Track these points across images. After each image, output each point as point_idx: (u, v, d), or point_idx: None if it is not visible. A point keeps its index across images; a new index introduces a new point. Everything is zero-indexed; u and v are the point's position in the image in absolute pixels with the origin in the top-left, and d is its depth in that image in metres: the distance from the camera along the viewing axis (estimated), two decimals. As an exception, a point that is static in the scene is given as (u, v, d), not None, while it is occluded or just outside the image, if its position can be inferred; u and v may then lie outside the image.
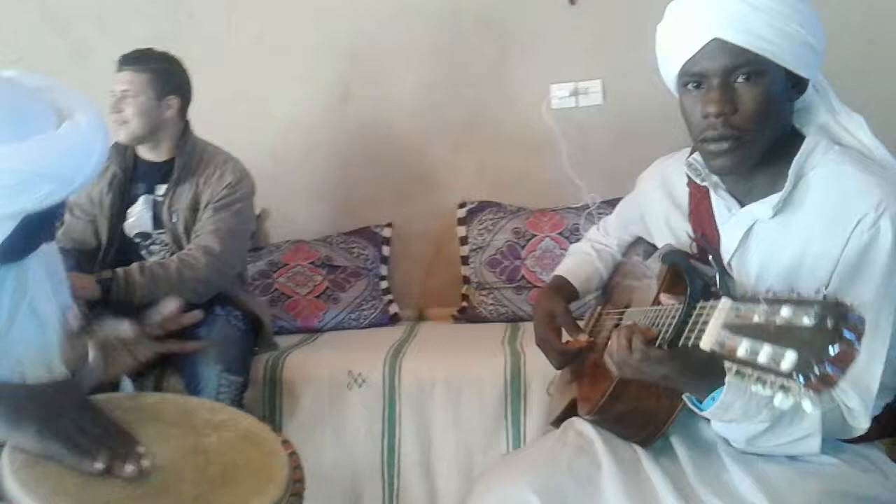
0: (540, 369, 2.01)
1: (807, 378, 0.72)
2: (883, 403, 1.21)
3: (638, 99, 2.66)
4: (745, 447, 1.17)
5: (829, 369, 0.72)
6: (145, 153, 2.28)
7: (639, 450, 1.24)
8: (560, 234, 2.66)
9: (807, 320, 0.74)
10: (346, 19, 2.82)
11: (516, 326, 2.47)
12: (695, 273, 1.06)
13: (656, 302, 1.18)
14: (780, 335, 0.76)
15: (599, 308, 1.57)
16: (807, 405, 0.75)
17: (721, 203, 1.25)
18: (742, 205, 1.23)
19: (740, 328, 0.82)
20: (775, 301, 0.79)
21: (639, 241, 1.53)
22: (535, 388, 2.06)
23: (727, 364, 0.84)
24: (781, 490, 1.13)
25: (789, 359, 0.73)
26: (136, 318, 1.39)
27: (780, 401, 0.77)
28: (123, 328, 1.31)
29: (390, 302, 2.73)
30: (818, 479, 1.15)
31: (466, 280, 2.74)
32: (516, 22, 2.78)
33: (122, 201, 2.26)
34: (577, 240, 2.53)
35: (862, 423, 1.14)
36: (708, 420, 1.18)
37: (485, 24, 2.79)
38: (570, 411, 1.39)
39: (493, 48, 2.80)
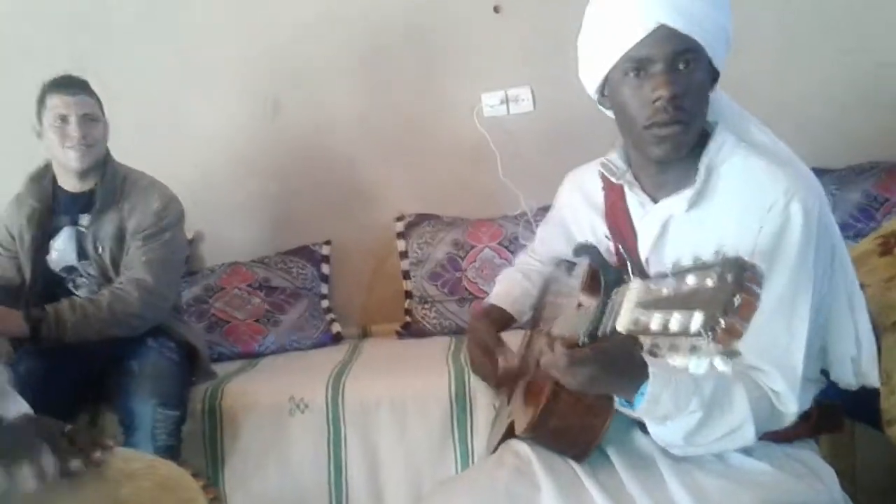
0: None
1: (713, 332, 0.74)
2: (810, 397, 1.22)
3: (567, 105, 2.66)
4: (685, 448, 1.17)
5: (733, 320, 0.74)
6: (66, 183, 2.19)
7: (577, 467, 1.23)
8: (499, 243, 2.66)
9: (710, 281, 0.77)
10: (271, 33, 2.77)
11: (461, 339, 2.45)
12: (607, 265, 1.06)
13: (578, 306, 1.19)
14: (689, 300, 0.79)
15: (530, 330, 1.57)
16: (718, 363, 0.77)
17: (636, 200, 1.27)
18: (655, 201, 1.25)
19: (652, 303, 0.84)
20: (681, 271, 0.82)
21: (563, 261, 1.53)
22: (480, 402, 2.04)
23: (643, 339, 0.85)
24: (717, 502, 1.14)
25: (697, 319, 0.76)
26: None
27: (695, 365, 0.79)
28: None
29: (332, 321, 2.69)
30: (754, 489, 1.16)
31: (408, 294, 2.72)
32: (444, 32, 2.77)
33: (44, 235, 2.18)
34: (517, 248, 2.60)
35: (791, 407, 1.15)
36: (645, 431, 1.18)
37: (413, 34, 2.77)
38: (509, 436, 1.37)
39: (423, 58, 2.79)
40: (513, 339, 1.53)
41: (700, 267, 0.81)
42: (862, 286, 1.52)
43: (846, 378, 1.25)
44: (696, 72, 1.15)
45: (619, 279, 1.00)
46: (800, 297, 1.15)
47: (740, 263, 0.77)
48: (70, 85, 2.12)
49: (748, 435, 1.13)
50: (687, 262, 0.83)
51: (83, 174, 2.16)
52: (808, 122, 2.65)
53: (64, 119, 2.10)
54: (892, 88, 2.68)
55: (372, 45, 2.78)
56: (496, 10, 2.74)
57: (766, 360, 1.15)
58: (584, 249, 1.13)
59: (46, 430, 1.12)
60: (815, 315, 1.17)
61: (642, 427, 1.22)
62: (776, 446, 1.22)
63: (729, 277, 0.76)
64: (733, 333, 0.75)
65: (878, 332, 1.48)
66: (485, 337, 1.47)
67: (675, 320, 0.79)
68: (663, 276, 0.85)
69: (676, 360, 0.80)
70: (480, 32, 2.75)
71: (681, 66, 1.14)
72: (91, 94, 2.15)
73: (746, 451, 1.20)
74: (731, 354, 0.77)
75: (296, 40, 2.78)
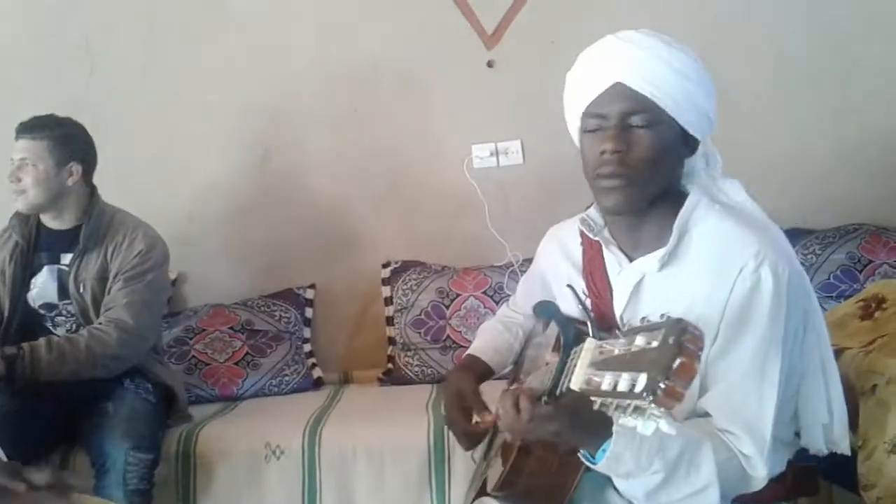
0: (463, 435, 1.97)
1: (654, 395, 0.76)
2: (784, 459, 1.22)
3: (556, 159, 2.68)
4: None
5: (673, 383, 0.76)
6: (49, 221, 2.19)
7: None
8: (484, 292, 2.65)
9: (654, 343, 0.80)
10: (264, 79, 2.80)
11: (442, 388, 2.44)
12: (567, 322, 1.06)
13: (546, 364, 1.19)
14: (635, 362, 0.80)
15: (507, 384, 1.56)
16: (663, 425, 0.79)
17: (612, 258, 1.29)
18: (631, 260, 1.27)
19: (604, 363, 0.86)
20: (631, 332, 0.84)
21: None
22: (459, 453, 2.02)
23: (594, 399, 0.87)
24: None
25: (641, 381, 0.78)
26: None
27: (642, 427, 0.81)
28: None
29: (314, 366, 2.67)
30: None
31: (392, 341, 2.71)
32: (436, 83, 2.81)
33: (25, 271, 2.17)
34: (502, 298, 2.60)
35: (759, 472, 1.14)
36: (615, 488, 1.17)
37: (405, 85, 2.81)
38: (483, 493, 1.35)
39: (414, 109, 2.82)
40: (496, 390, 1.51)
41: (647, 328, 0.83)
42: (842, 350, 1.53)
43: (816, 444, 1.25)
44: (654, 133, 1.18)
45: (578, 338, 1.01)
46: (770, 361, 1.15)
47: (681, 326, 0.79)
48: (21, 129, 2.14)
49: (712, 497, 1.11)
50: (636, 322, 0.84)
51: (54, 214, 2.17)
52: (794, 183, 2.69)
53: (10, 163, 2.12)
54: (878, 152, 2.72)
55: (364, 94, 2.81)
56: (490, 64, 2.79)
57: (735, 424, 1.15)
58: (544, 308, 1.14)
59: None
60: (787, 379, 1.17)
61: (616, 488, 1.20)
62: (749, 506, 1.20)
63: (670, 339, 0.78)
64: (673, 396, 0.76)
65: (856, 396, 1.48)
66: (463, 393, 1.45)
67: (623, 381, 0.81)
68: (615, 336, 0.87)
69: (625, 421, 0.81)
70: (473, 85, 2.79)
71: (635, 124, 1.18)
72: (41, 137, 2.12)
73: (719, 514, 1.18)
74: (671, 415, 0.79)
75: (288, 87, 2.80)
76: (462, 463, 2.01)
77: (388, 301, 2.73)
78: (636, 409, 0.79)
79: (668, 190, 1.23)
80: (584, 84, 1.22)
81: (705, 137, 1.26)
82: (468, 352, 1.58)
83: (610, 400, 0.84)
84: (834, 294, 2.43)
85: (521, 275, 2.53)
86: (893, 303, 1.70)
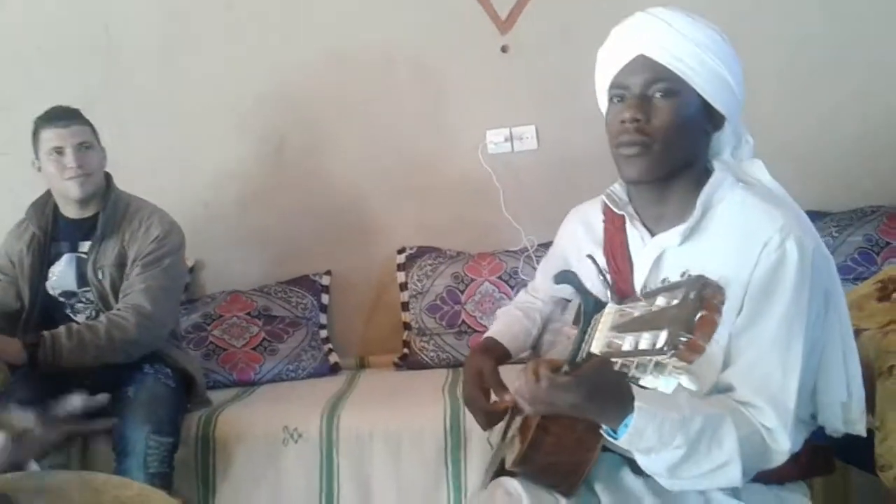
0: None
1: (676, 349, 0.77)
2: (802, 438, 1.22)
3: (570, 144, 2.70)
4: (668, 480, 1.16)
5: (694, 336, 0.77)
6: (68, 210, 2.21)
7: None
8: (499, 277, 2.66)
9: (675, 301, 0.80)
10: (280, 69, 2.81)
11: (457, 372, 2.44)
12: (587, 293, 1.07)
13: (568, 339, 1.20)
14: (656, 320, 0.81)
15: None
16: (685, 381, 0.81)
17: (635, 233, 1.30)
18: (653, 235, 1.28)
19: (626, 326, 0.87)
20: (651, 294, 0.85)
21: (560, 299, 1.53)
22: (475, 437, 2.03)
23: (616, 360, 0.88)
24: None
25: (662, 337, 0.78)
26: (42, 407, 1.33)
27: (664, 383, 0.82)
28: (27, 418, 1.26)
29: (330, 351, 2.69)
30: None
31: (407, 326, 2.72)
32: (450, 69, 2.80)
33: (43, 261, 2.19)
34: (517, 283, 2.60)
35: (783, 445, 1.15)
36: (634, 469, 1.17)
37: (419, 71, 2.81)
38: (501, 472, 1.36)
39: (428, 95, 2.82)
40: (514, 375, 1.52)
41: (667, 288, 0.83)
42: (859, 330, 1.52)
43: (834, 423, 1.24)
44: (674, 102, 1.20)
45: (598, 306, 1.01)
46: (794, 335, 1.16)
47: (702, 282, 0.80)
48: (61, 116, 2.14)
49: (734, 473, 1.12)
50: (658, 286, 0.84)
51: (84, 201, 2.18)
52: (811, 165, 2.66)
53: (59, 151, 2.12)
54: (894, 134, 2.70)
55: (378, 82, 2.81)
56: (504, 49, 2.78)
57: (759, 396, 1.15)
58: (564, 277, 1.15)
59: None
60: (809, 355, 1.17)
61: (632, 466, 1.21)
62: (766, 488, 1.21)
63: (691, 295, 0.79)
64: (695, 349, 0.77)
65: (874, 377, 1.48)
66: (483, 373, 1.46)
67: (644, 340, 0.82)
68: (636, 299, 0.88)
69: (646, 380, 0.81)
70: (487, 71, 2.78)
71: (656, 95, 1.21)
72: (83, 122, 2.17)
73: (735, 493, 1.19)
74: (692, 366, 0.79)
75: (302, 77, 2.81)
76: (478, 447, 2.02)
77: (404, 286, 2.74)
78: (657, 365, 0.80)
79: (691, 163, 1.25)
80: (611, 58, 1.26)
81: (734, 116, 1.26)
82: (486, 334, 1.59)
83: (631, 359, 0.84)
84: (851, 276, 2.41)
85: (536, 260, 2.57)
86: (911, 284, 1.69)
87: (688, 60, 1.19)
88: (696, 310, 0.77)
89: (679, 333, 0.77)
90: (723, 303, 0.79)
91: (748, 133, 1.31)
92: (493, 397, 1.43)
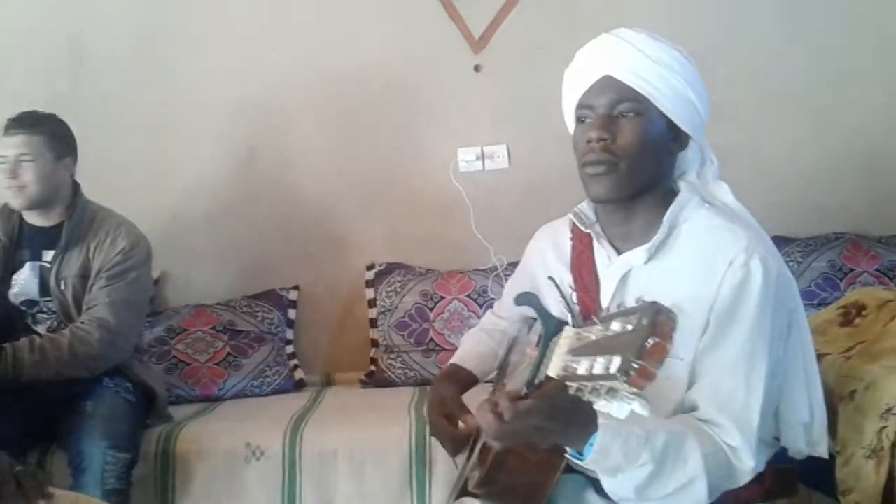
0: (445, 437, 1.97)
1: (628, 375, 0.77)
2: (764, 459, 1.22)
3: (541, 164, 2.72)
4: (637, 502, 1.16)
5: (646, 363, 0.77)
6: (32, 218, 2.17)
7: None
8: (468, 296, 2.66)
9: (629, 326, 0.81)
10: (252, 80, 2.79)
11: (424, 390, 2.43)
12: (547, 314, 1.07)
13: (528, 358, 1.19)
14: (610, 345, 0.82)
15: (491, 389, 1.55)
16: (637, 407, 0.81)
17: (602, 252, 1.31)
18: (620, 253, 1.29)
19: (581, 349, 0.87)
20: (607, 318, 0.85)
21: (527, 318, 1.53)
22: (440, 457, 2.01)
23: (571, 384, 0.88)
24: None
25: (615, 362, 0.79)
26: None
27: (617, 409, 0.82)
28: None
29: (296, 367, 2.66)
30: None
31: (375, 343, 2.70)
32: (423, 87, 2.81)
33: (6, 268, 2.14)
34: (486, 302, 2.60)
35: (746, 463, 1.15)
36: (599, 492, 1.16)
37: (392, 88, 2.81)
38: (464, 493, 1.35)
39: (401, 112, 2.82)
40: (483, 396, 1.51)
41: (623, 313, 0.84)
42: (822, 355, 1.54)
43: (797, 445, 1.26)
44: (640, 122, 1.22)
45: (559, 328, 1.01)
46: (757, 354, 1.17)
47: (656, 308, 0.80)
48: (13, 125, 2.10)
49: (700, 491, 1.12)
50: (615, 310, 0.85)
51: (43, 211, 2.14)
52: (778, 190, 2.71)
53: (3, 160, 2.09)
54: (859, 162, 2.75)
55: (351, 96, 2.81)
56: (477, 69, 2.79)
57: (722, 414, 1.16)
58: (526, 299, 1.15)
59: None
60: (772, 374, 1.18)
61: (596, 486, 1.20)
62: (731, 509, 1.21)
63: (644, 321, 0.79)
64: (646, 376, 0.77)
65: (835, 402, 1.49)
66: (446, 400, 1.45)
67: (598, 364, 0.82)
68: (593, 323, 0.88)
69: (599, 404, 0.81)
70: (460, 90, 2.80)
71: (621, 115, 1.22)
72: (33, 132, 2.09)
73: (700, 514, 1.18)
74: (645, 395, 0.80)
75: (275, 89, 2.80)
76: (443, 466, 2.00)
77: (372, 303, 2.73)
78: (610, 390, 0.81)
79: (657, 182, 1.26)
80: (577, 78, 1.28)
81: (699, 135, 1.28)
82: (451, 361, 1.58)
83: (585, 384, 0.85)
84: (815, 301, 2.45)
85: (506, 279, 2.56)
86: (873, 310, 1.71)
87: (653, 80, 1.21)
88: (647, 336, 0.78)
89: (631, 359, 0.77)
90: (674, 330, 0.80)
91: (712, 154, 1.32)
92: (460, 422, 1.42)
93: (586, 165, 1.24)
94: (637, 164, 1.22)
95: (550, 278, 1.26)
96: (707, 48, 2.60)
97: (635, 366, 0.77)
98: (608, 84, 1.23)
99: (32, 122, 2.11)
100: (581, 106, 1.26)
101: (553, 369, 0.93)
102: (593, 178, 1.23)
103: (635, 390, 0.79)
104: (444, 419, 1.42)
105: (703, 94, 1.26)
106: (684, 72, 1.23)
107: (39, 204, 2.13)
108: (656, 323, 0.79)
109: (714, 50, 2.66)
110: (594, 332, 0.88)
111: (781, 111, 2.77)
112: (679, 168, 1.31)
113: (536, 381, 1.01)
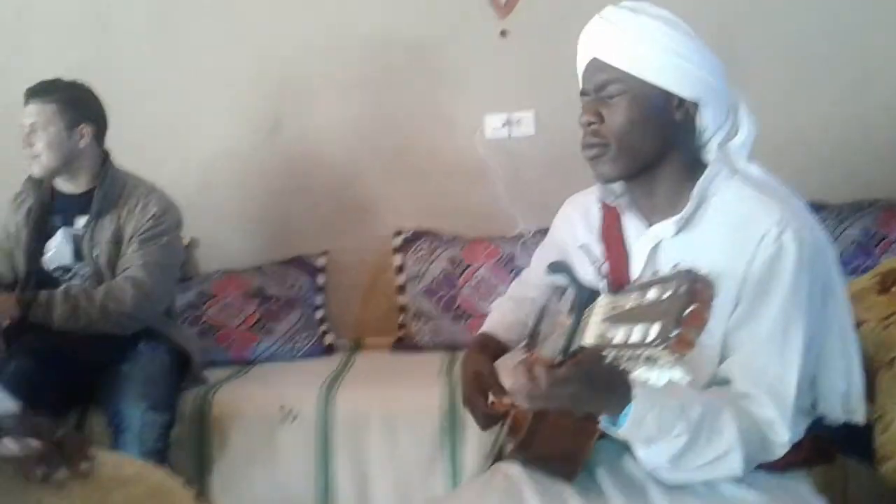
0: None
1: (666, 342, 0.77)
2: (802, 427, 1.22)
3: (568, 130, 2.64)
4: (670, 472, 1.17)
5: (684, 329, 0.77)
6: (63, 185, 2.19)
7: (568, 492, 1.22)
8: (496, 263, 2.66)
9: (666, 294, 0.81)
10: (276, 49, 2.78)
11: (454, 355, 2.44)
12: (580, 283, 1.07)
13: (560, 327, 1.19)
14: (648, 313, 0.82)
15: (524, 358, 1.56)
16: (676, 375, 0.81)
17: (631, 224, 1.31)
18: (649, 226, 1.29)
19: (618, 318, 0.88)
20: (643, 286, 0.86)
21: (557, 287, 1.53)
22: (471, 421, 1.96)
23: (607, 352, 0.88)
24: None
25: (653, 330, 0.79)
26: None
27: (655, 377, 0.82)
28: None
29: (325, 332, 2.68)
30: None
31: (403, 309, 2.72)
32: (448, 53, 2.78)
33: (39, 235, 2.17)
34: (513, 269, 2.60)
35: (782, 436, 1.15)
36: (634, 456, 1.18)
37: (417, 54, 2.78)
38: (500, 457, 1.37)
39: (426, 79, 2.80)
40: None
41: (659, 281, 0.84)
42: (860, 323, 1.53)
43: (834, 412, 1.25)
44: (625, 100, 1.20)
45: (591, 297, 1.02)
46: (792, 327, 1.16)
47: (693, 276, 0.80)
48: (28, 93, 2.12)
49: (735, 463, 1.12)
50: (651, 277, 0.86)
51: (72, 177, 2.17)
52: (811, 157, 2.68)
53: (21, 128, 2.11)
54: (894, 127, 2.71)
55: (376, 64, 2.79)
56: (503, 34, 2.76)
57: (758, 387, 1.16)
58: (557, 267, 1.15)
59: (38, 432, 1.12)
60: (808, 346, 1.18)
61: (634, 456, 1.21)
62: (769, 476, 1.21)
63: (682, 289, 0.80)
64: (685, 343, 0.77)
65: (874, 369, 1.49)
66: (479, 373, 1.43)
67: (636, 332, 0.82)
68: (628, 290, 0.89)
69: (637, 373, 0.83)
70: (486, 56, 2.77)
71: (608, 96, 1.22)
72: (48, 100, 2.10)
73: (738, 479, 1.19)
74: (685, 361, 0.80)
75: (299, 57, 2.78)
76: (474, 430, 1.99)
77: (400, 269, 2.74)
78: (648, 358, 0.81)
79: (666, 155, 1.24)
80: (579, 64, 1.29)
81: (709, 98, 1.23)
82: (481, 329, 1.58)
83: (623, 352, 0.85)
84: (848, 269, 2.42)
85: (533, 246, 2.55)
86: (909, 277, 1.70)
87: (635, 55, 1.20)
88: (686, 304, 0.78)
89: (669, 327, 0.77)
90: (713, 297, 0.79)
91: (748, 119, 1.26)
92: (491, 397, 1.41)
93: (584, 149, 1.26)
94: (628, 143, 1.21)
95: (582, 246, 1.26)
96: (735, 19, 2.57)
97: (673, 333, 0.77)
98: (595, 66, 1.23)
99: (44, 91, 2.12)
100: (581, 91, 1.28)
101: (588, 337, 0.94)
102: (591, 161, 1.25)
103: (674, 357, 0.79)
104: (479, 394, 1.41)
105: (700, 54, 1.21)
106: (667, 37, 1.20)
107: (55, 172, 2.15)
108: (694, 290, 0.79)
109: (743, 21, 2.61)
110: (630, 300, 0.88)
111: (815, 76, 2.72)
112: (703, 135, 1.26)
113: (571, 349, 1.01)
